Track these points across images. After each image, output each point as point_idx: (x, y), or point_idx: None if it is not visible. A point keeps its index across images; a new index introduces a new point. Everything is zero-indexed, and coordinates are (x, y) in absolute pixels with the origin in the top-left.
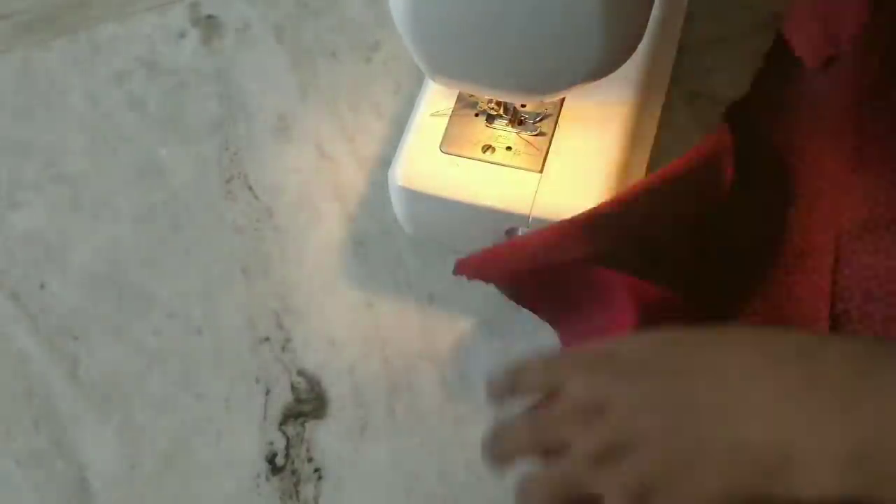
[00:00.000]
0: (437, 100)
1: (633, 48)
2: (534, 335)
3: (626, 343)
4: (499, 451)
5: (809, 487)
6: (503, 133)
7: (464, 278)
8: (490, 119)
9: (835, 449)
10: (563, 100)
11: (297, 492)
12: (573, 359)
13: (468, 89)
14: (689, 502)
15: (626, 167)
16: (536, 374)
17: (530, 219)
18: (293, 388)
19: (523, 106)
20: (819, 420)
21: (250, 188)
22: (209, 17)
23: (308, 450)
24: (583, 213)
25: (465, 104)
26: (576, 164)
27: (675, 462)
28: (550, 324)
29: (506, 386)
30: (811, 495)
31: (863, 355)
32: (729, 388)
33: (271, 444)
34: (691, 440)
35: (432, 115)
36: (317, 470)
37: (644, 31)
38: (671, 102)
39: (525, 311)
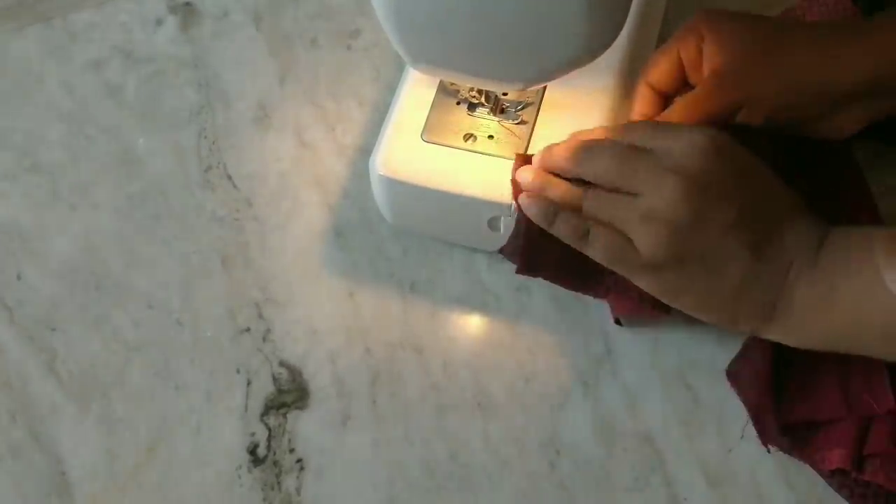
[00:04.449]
0: (418, 88)
1: (614, 36)
2: (517, 323)
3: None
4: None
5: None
6: (485, 121)
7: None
8: (471, 107)
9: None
10: (544, 88)
11: (278, 483)
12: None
13: (450, 77)
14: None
15: None
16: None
17: (512, 208)
18: (274, 378)
19: (505, 94)
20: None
21: (229, 177)
22: (186, 3)
23: (290, 441)
24: None
25: (447, 93)
26: None
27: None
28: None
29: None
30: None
31: None
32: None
33: (253, 435)
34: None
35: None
36: (299, 461)
37: (626, 19)
38: None
39: (506, 300)
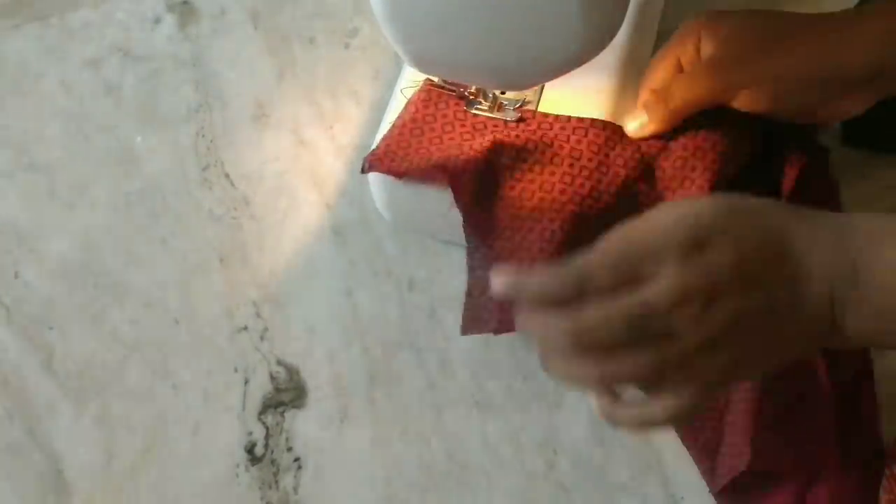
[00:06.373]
0: (416, 87)
1: (612, 35)
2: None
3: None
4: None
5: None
6: None
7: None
8: (469, 105)
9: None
10: (542, 87)
11: (276, 482)
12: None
13: (448, 76)
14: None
15: None
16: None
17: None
18: (272, 377)
19: (503, 93)
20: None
21: (227, 176)
22: (184, 2)
23: (287, 439)
24: None
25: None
26: None
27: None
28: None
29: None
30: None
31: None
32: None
33: (250, 433)
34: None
35: (402, 90)
36: (296, 459)
37: (623, 18)
38: None
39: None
